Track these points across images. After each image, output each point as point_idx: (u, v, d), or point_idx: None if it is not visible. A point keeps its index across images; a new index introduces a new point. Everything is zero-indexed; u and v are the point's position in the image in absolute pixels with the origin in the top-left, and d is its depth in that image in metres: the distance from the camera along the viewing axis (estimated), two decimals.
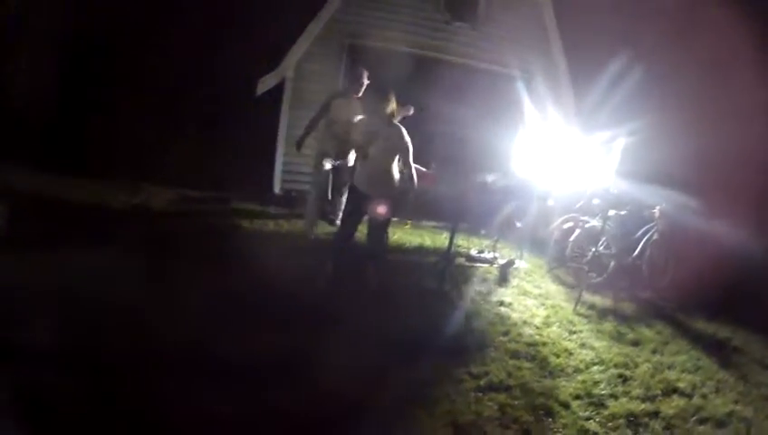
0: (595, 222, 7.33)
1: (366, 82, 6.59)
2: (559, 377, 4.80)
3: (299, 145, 6.82)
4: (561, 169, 7.81)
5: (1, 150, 7.21)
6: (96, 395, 3.54)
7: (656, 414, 4.49)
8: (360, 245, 6.13)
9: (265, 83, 8.77)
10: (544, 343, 5.37)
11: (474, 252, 7.58)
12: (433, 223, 8.88)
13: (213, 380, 3.83)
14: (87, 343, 4.03)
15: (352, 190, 5.84)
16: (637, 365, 5.23)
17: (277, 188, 9.19)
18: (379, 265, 5.96)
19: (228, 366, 3.97)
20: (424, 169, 6.80)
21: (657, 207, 7.36)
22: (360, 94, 6.61)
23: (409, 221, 8.59)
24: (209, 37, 9.43)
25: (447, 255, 6.26)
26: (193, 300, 4.84)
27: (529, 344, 5.30)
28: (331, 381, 4.02)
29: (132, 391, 3.65)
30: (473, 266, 7.27)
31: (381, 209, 5.52)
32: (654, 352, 5.59)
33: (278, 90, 8.98)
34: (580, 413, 4.31)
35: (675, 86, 8.61)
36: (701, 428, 4.44)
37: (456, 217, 6.54)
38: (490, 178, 7.34)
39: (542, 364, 4.96)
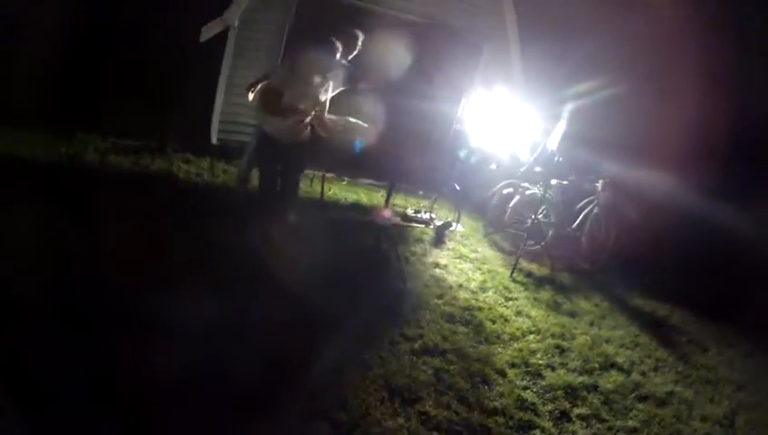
0: (536, 190, 7.15)
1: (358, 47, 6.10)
2: (495, 344, 4.65)
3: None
4: (506, 133, 7.57)
5: None
6: None
7: (594, 388, 4.39)
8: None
9: (209, 31, 8.34)
10: (480, 308, 5.20)
11: (410, 212, 7.34)
12: (370, 181, 8.58)
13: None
14: None
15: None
16: (574, 337, 5.11)
17: (214, 139, 8.83)
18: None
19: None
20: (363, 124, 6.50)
21: (600, 180, 7.20)
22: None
23: (346, 178, 8.28)
24: None
25: (383, 213, 6.09)
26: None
27: (464, 309, 5.12)
28: (258, 342, 3.88)
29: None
30: (409, 226, 7.03)
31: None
32: (591, 324, 5.49)
33: (222, 38, 8.58)
34: (517, 382, 4.18)
35: (623, 52, 8.52)
36: (641, 405, 4.36)
37: (395, 175, 6.33)
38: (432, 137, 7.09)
39: (478, 330, 4.80)
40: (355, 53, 5.94)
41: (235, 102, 8.39)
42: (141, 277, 4.13)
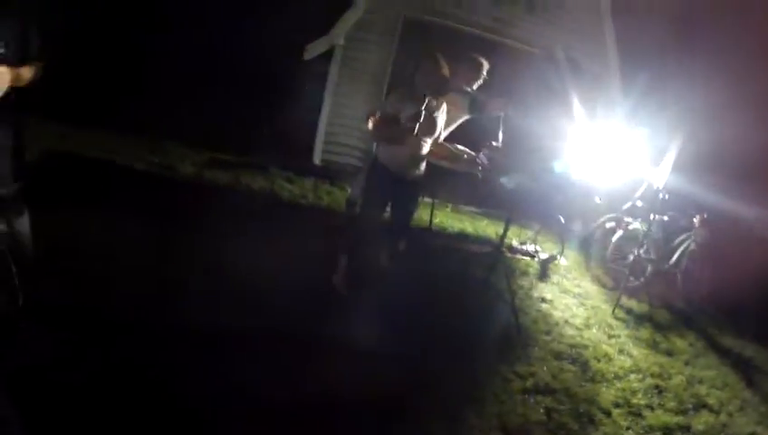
0: (637, 224, 7.46)
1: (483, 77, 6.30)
2: (600, 383, 5.02)
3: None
4: (610, 165, 7.65)
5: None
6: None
7: (687, 429, 4.70)
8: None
9: (314, 49, 8.65)
10: (585, 346, 5.59)
11: (515, 243, 7.76)
12: (472, 208, 9.02)
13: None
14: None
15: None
16: (671, 377, 5.45)
17: (317, 159, 9.11)
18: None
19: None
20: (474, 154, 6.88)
21: (698, 216, 7.45)
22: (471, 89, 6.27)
23: (449, 205, 8.70)
24: None
25: (500, 246, 6.26)
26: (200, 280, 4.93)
27: (571, 346, 5.53)
28: (375, 373, 4.13)
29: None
30: (514, 258, 7.45)
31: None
32: (686, 364, 5.81)
33: (327, 57, 8.86)
34: (621, 422, 4.53)
35: (735, 78, 8.54)
36: None
37: (512, 207, 6.57)
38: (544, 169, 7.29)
39: (584, 368, 5.19)
40: (480, 82, 6.23)
41: (340, 123, 8.63)
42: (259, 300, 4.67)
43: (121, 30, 8.90)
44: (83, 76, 8.15)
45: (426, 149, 5.08)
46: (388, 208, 5.37)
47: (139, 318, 4.17)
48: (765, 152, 8.39)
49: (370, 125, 5.25)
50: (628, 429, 4.50)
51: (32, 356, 3.47)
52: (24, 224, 3.62)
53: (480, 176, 5.67)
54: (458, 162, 5.54)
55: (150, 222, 5.57)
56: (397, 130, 4.87)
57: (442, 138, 5.99)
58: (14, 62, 3.12)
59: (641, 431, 4.53)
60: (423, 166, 5.20)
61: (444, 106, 5.13)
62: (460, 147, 6.27)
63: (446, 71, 4.93)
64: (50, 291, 4.02)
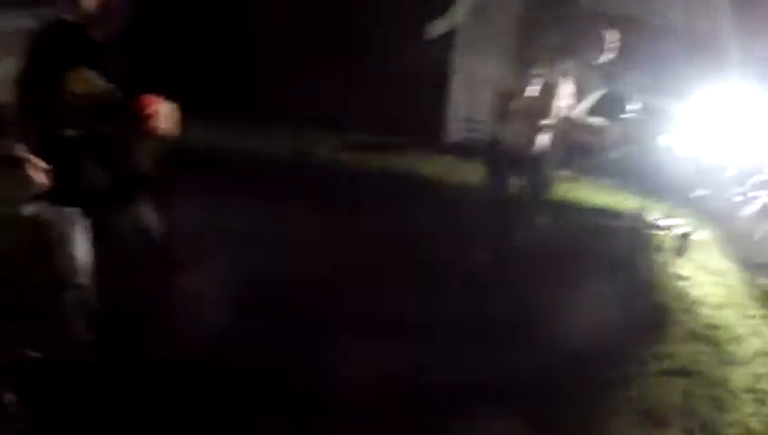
0: None
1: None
2: (732, 365, 5.28)
3: None
4: (744, 136, 7.87)
5: None
6: None
7: None
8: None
9: (436, 28, 8.91)
10: (719, 327, 5.84)
11: (652, 218, 7.85)
12: (609, 180, 9.17)
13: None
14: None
15: None
16: None
17: (453, 136, 9.47)
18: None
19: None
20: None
21: None
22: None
23: (585, 178, 8.91)
24: None
25: (639, 221, 6.63)
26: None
27: (706, 326, 5.79)
28: (515, 356, 4.51)
29: None
30: (651, 233, 7.64)
31: None
32: None
33: (450, 36, 9.14)
34: (746, 409, 4.75)
35: None
36: None
37: (655, 183, 6.85)
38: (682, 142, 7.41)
39: (718, 350, 5.44)
40: (603, 55, 6.06)
41: (471, 99, 8.80)
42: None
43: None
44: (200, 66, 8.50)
45: (545, 121, 5.16)
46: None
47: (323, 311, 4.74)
48: None
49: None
50: (752, 416, 4.68)
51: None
52: (152, 218, 3.64)
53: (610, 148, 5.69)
54: (586, 134, 5.72)
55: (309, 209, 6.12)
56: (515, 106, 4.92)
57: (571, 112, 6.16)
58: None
59: (764, 420, 4.69)
60: (545, 139, 5.28)
61: (565, 76, 5.15)
62: (591, 119, 6.44)
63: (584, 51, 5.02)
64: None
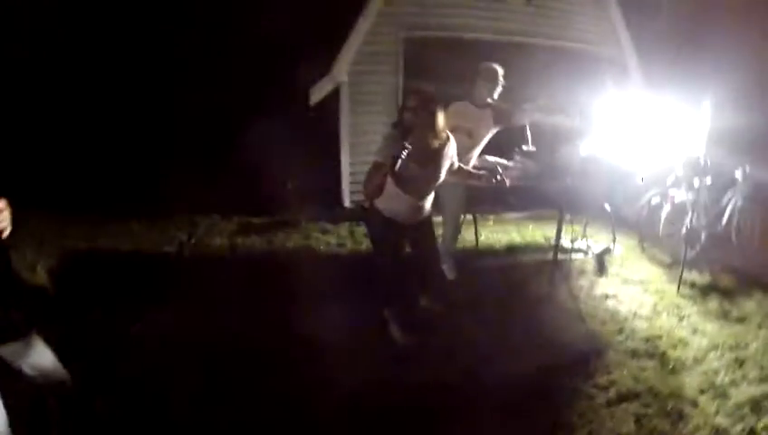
0: (683, 194, 7.52)
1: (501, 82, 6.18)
2: (681, 372, 5.10)
3: None
4: (644, 143, 7.75)
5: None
6: None
7: None
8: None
9: (319, 91, 8.65)
10: (659, 336, 5.68)
11: (567, 243, 7.72)
12: (515, 214, 9.13)
13: None
14: None
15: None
16: (747, 345, 5.52)
17: (347, 202, 9.16)
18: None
19: None
20: (508, 163, 6.92)
21: (739, 169, 7.48)
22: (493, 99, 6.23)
23: (492, 217, 8.81)
24: (250, 45, 9.17)
25: (555, 251, 6.36)
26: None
27: (645, 340, 5.62)
28: (453, 413, 4.34)
29: None
30: (568, 259, 7.49)
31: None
32: (759, 326, 5.87)
33: (334, 96, 8.85)
34: (709, 409, 4.59)
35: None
36: None
37: (562, 206, 6.57)
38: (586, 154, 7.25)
39: (663, 360, 5.25)
40: (499, 89, 6.16)
41: (361, 161, 8.44)
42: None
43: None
44: (76, 164, 8.24)
45: (429, 195, 4.90)
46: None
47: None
48: None
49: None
50: (716, 413, 4.56)
51: None
52: (44, 356, 3.27)
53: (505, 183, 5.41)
54: (480, 181, 5.40)
55: (208, 306, 5.64)
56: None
57: (475, 155, 6.25)
58: None
59: (730, 412, 4.58)
60: (429, 204, 4.99)
61: (450, 142, 4.83)
62: (490, 158, 6.57)
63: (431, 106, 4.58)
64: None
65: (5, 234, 2.74)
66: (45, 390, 3.37)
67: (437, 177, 4.78)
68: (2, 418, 3.00)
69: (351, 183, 9.05)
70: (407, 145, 4.27)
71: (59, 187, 7.75)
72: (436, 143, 4.67)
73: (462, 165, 5.18)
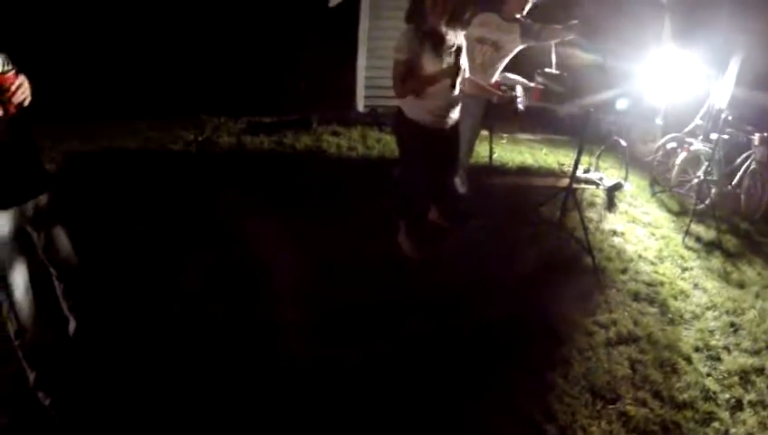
0: (699, 145, 7.45)
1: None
2: (679, 325, 5.14)
3: None
4: (670, 84, 7.67)
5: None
6: None
7: (761, 371, 4.73)
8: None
9: None
10: (662, 283, 5.71)
11: (579, 172, 7.58)
12: (528, 136, 8.95)
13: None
14: None
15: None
16: (744, 312, 5.53)
17: (360, 106, 8.93)
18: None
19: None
20: (529, 83, 6.81)
21: (757, 134, 7.31)
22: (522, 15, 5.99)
23: (506, 135, 8.65)
24: None
25: (572, 178, 6.13)
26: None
27: (648, 284, 5.65)
28: (451, 339, 4.38)
29: None
30: (579, 188, 7.42)
31: None
32: (757, 296, 5.86)
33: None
34: (701, 369, 4.64)
35: None
36: None
37: (581, 135, 6.29)
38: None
39: (663, 309, 5.30)
40: (529, 5, 5.99)
41: (379, 66, 8.26)
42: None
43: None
44: (80, 66, 7.85)
45: (456, 91, 4.57)
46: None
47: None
48: None
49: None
50: (708, 375, 4.60)
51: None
52: (61, 238, 3.43)
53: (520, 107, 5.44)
54: (489, 95, 5.35)
55: (206, 208, 5.60)
56: (417, 84, 4.41)
57: (499, 70, 6.10)
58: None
59: (720, 377, 4.61)
60: (457, 110, 4.81)
61: (460, 36, 4.63)
62: (512, 76, 6.46)
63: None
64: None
65: (27, 103, 2.86)
66: (57, 268, 3.51)
67: (459, 70, 4.44)
68: (23, 285, 3.13)
69: (366, 87, 8.79)
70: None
71: (62, 90, 7.18)
72: (451, 38, 4.48)
73: (472, 77, 4.97)
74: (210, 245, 5.19)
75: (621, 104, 6.70)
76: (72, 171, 6.29)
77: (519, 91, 5.56)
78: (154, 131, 7.27)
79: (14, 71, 2.81)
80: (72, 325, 3.77)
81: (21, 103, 2.84)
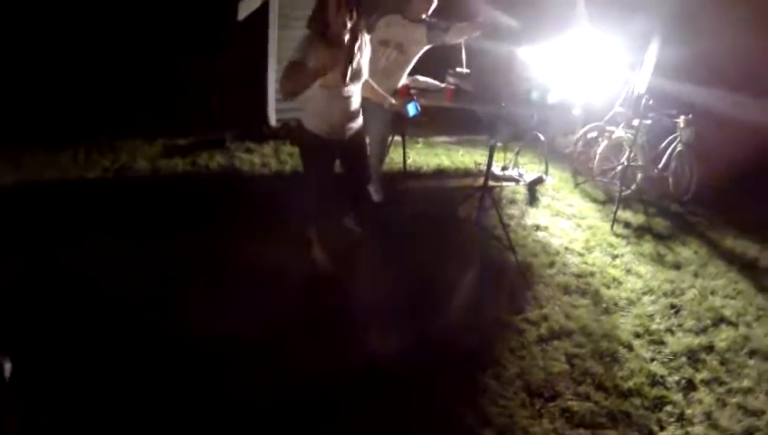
0: (621, 132, 7.21)
1: None
2: (614, 313, 4.85)
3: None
4: (586, 74, 7.45)
5: None
6: None
7: (710, 348, 4.54)
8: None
9: (247, 6, 7.98)
10: (592, 273, 5.41)
11: (497, 169, 7.38)
12: (445, 138, 8.70)
13: None
14: None
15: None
16: (683, 292, 5.29)
17: (273, 120, 8.63)
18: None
19: None
20: (440, 84, 6.71)
21: (682, 117, 7.16)
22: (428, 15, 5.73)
23: (420, 139, 8.38)
24: None
25: (486, 177, 5.76)
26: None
27: (577, 276, 5.34)
28: (376, 345, 4.01)
29: None
30: (498, 186, 7.14)
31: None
32: (695, 275, 5.62)
33: (263, 12, 8.21)
34: (644, 354, 4.37)
35: None
36: (751, 361, 4.47)
37: (493, 132, 6.01)
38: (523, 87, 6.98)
39: (596, 299, 5.00)
40: (434, 5, 5.71)
41: None
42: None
43: None
44: None
45: (356, 97, 4.43)
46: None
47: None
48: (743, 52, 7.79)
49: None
50: (652, 360, 4.35)
51: None
52: None
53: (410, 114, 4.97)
54: (384, 102, 4.92)
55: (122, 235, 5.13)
56: (304, 77, 4.01)
57: (406, 73, 5.87)
58: None
59: (666, 360, 4.37)
60: (360, 118, 4.60)
61: (364, 41, 4.37)
62: (422, 78, 6.38)
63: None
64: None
65: None
66: None
67: (359, 76, 4.30)
68: None
69: (278, 100, 8.45)
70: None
71: None
72: (354, 42, 4.10)
73: (369, 79, 4.64)
74: (132, 269, 4.66)
75: (536, 96, 6.52)
76: None
77: (412, 101, 5.04)
78: (74, 160, 6.77)
79: None
80: (7, 368, 3.18)
81: None
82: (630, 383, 4.04)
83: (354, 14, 4.06)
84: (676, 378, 4.18)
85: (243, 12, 7.80)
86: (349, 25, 4.05)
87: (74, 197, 5.83)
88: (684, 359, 4.39)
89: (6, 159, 6.43)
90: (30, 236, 4.94)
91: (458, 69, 6.68)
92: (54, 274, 4.47)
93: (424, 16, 5.67)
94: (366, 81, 4.55)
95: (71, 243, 4.86)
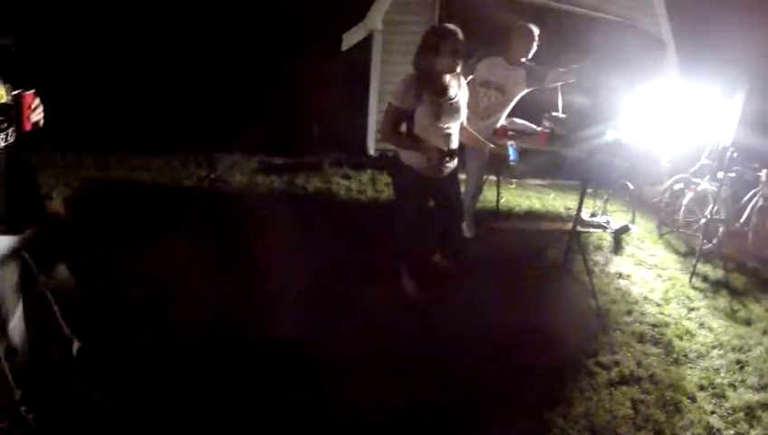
0: (706, 184, 7.47)
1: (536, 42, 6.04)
2: (683, 364, 5.14)
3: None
4: (674, 125, 7.67)
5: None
6: None
7: (767, 406, 4.74)
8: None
9: (351, 38, 8.55)
10: (667, 324, 5.72)
11: (586, 216, 7.75)
12: (537, 181, 9.06)
13: None
14: None
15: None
16: (750, 349, 5.54)
17: (371, 150, 9.02)
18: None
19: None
20: (536, 128, 6.89)
21: (764, 170, 7.38)
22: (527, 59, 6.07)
23: (514, 181, 8.75)
24: None
25: (575, 223, 6.15)
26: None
27: (653, 326, 5.66)
28: (453, 376, 4.34)
29: None
30: (586, 232, 7.49)
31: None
32: (764, 332, 5.88)
33: (366, 44, 8.71)
34: (705, 407, 4.63)
35: None
36: None
37: (585, 178, 6.31)
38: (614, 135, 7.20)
39: (668, 349, 5.30)
40: (533, 50, 6.06)
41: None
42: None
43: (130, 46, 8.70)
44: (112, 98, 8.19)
45: (455, 137, 4.64)
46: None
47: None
48: None
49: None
50: (712, 413, 4.58)
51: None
52: (58, 263, 3.54)
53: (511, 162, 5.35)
54: (481, 147, 5.31)
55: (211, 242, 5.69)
56: (406, 137, 4.42)
57: (505, 114, 6.18)
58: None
59: (725, 414, 4.60)
60: (455, 160, 4.79)
61: (462, 84, 4.66)
62: (519, 121, 6.54)
63: (455, 44, 4.32)
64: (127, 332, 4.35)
65: (41, 124, 3.03)
66: (54, 293, 3.59)
67: (457, 115, 4.60)
68: (18, 312, 3.22)
69: (377, 132, 8.82)
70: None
71: (81, 122, 7.68)
72: (454, 87, 4.50)
73: (469, 127, 4.98)
74: (216, 274, 5.27)
75: (623, 135, 6.79)
76: (86, 196, 6.48)
77: (512, 145, 5.52)
78: (169, 166, 7.48)
79: (32, 91, 2.98)
80: (75, 346, 3.87)
81: (36, 123, 3.03)
82: (688, 433, 4.33)
83: (460, 60, 4.47)
84: (732, 432, 4.43)
85: (347, 42, 8.38)
86: (457, 69, 4.50)
87: (169, 199, 6.49)
88: (741, 414, 4.63)
89: (114, 159, 7.28)
90: (109, 230, 5.61)
91: (554, 113, 6.92)
92: (137, 267, 5.11)
93: (523, 60, 6.07)
94: (465, 128, 4.96)
95: (154, 239, 5.52)
